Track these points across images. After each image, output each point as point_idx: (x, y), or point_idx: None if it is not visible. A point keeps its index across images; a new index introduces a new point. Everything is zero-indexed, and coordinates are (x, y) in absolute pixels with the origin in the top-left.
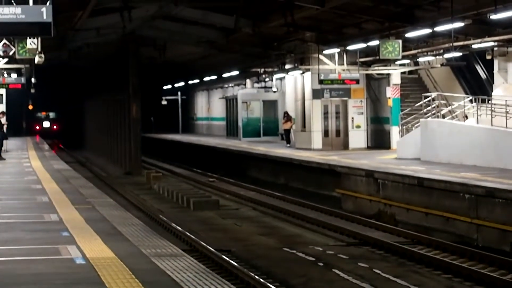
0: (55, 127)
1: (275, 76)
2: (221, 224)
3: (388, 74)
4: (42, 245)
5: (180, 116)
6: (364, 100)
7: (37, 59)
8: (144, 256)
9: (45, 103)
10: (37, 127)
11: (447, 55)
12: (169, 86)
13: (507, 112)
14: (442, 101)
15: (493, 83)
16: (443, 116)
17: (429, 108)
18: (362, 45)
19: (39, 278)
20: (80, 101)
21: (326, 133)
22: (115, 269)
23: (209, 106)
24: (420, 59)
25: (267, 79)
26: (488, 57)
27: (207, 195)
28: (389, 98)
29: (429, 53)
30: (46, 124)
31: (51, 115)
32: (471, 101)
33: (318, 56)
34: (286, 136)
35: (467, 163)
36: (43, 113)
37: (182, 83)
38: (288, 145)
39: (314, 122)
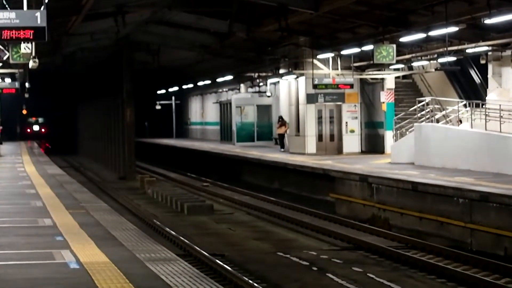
0: (43, 130)
1: (269, 81)
2: (215, 229)
3: (382, 79)
4: (36, 249)
5: (174, 121)
6: (358, 104)
7: (31, 64)
8: (138, 261)
9: (39, 108)
10: (28, 130)
11: (441, 60)
12: (163, 91)
13: (501, 117)
14: (436, 106)
15: (487, 87)
16: (437, 121)
17: (423, 112)
18: (356, 50)
19: (33, 283)
20: (73, 106)
21: (320, 137)
22: (109, 273)
23: (203, 111)
24: (414, 64)
25: (261, 84)
26: (482, 62)
27: (201, 199)
28: (383, 102)
29: (423, 58)
30: (36, 127)
31: (40, 120)
32: (465, 105)
33: (312, 61)
34: (280, 141)
35: (461, 168)
36: (33, 118)
37: (176, 88)
38: (282, 149)
39: (308, 127)
